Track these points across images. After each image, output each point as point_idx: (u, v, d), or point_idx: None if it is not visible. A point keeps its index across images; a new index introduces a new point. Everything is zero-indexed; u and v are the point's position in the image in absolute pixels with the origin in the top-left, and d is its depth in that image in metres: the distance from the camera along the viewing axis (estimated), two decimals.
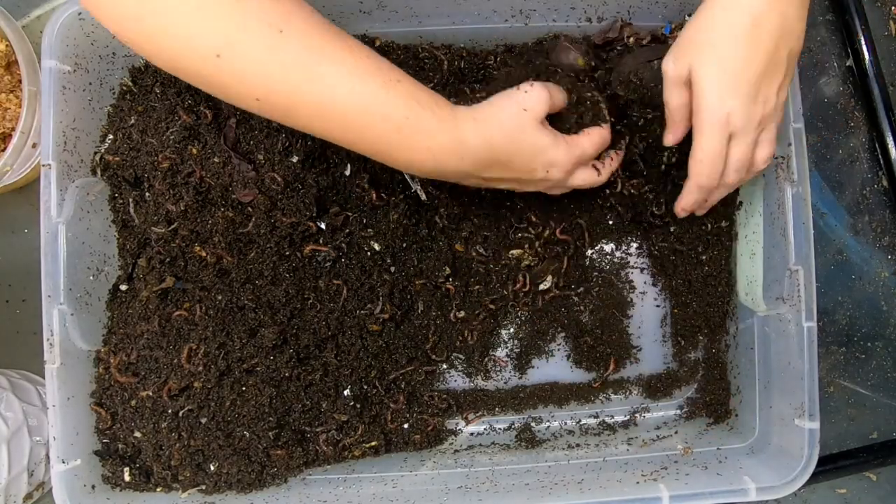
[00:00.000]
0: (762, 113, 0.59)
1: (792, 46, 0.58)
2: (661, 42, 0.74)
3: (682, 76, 0.60)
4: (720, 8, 0.57)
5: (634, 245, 0.80)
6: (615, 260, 0.80)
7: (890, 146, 0.84)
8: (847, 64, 0.86)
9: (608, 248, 0.80)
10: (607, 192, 0.75)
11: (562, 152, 0.62)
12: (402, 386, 0.78)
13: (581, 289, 0.81)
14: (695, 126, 0.60)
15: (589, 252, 0.80)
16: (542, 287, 0.80)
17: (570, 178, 0.65)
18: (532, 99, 0.60)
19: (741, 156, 0.61)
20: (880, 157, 0.85)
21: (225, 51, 0.52)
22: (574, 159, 0.63)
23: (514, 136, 0.60)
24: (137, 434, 0.72)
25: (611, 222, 0.79)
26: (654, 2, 0.73)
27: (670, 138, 0.66)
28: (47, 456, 0.78)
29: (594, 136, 0.65)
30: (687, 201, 0.68)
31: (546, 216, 0.78)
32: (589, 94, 0.67)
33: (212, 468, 0.72)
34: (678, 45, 0.61)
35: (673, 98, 0.63)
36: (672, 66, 0.61)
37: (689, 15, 0.73)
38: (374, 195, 0.74)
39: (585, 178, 0.66)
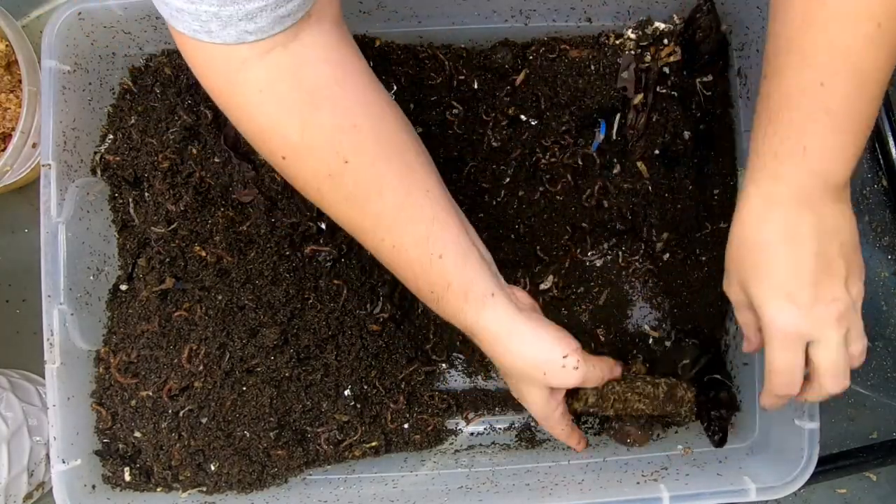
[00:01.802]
0: (835, 313, 0.54)
1: (842, 241, 0.54)
2: None
3: (741, 299, 0.58)
4: (749, 222, 0.54)
5: (634, 246, 0.80)
6: (615, 260, 0.80)
7: (890, 146, 0.83)
8: None
9: (609, 248, 0.80)
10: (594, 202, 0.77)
11: (543, 416, 0.65)
12: (403, 386, 0.78)
13: (581, 289, 0.81)
14: (765, 342, 0.56)
15: (590, 253, 0.80)
16: (542, 287, 0.80)
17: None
18: (560, 378, 0.60)
19: (831, 361, 0.55)
20: (880, 157, 0.85)
21: (290, 156, 0.53)
22: (548, 426, 0.66)
23: (514, 382, 0.64)
24: (137, 434, 0.72)
25: (611, 224, 0.79)
26: (654, 1, 0.73)
27: (747, 348, 0.64)
28: (47, 456, 0.78)
29: (565, 437, 0.68)
30: (767, 403, 0.62)
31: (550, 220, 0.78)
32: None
33: (212, 468, 0.72)
34: (727, 267, 0.58)
35: (741, 318, 0.60)
36: (731, 291, 0.59)
37: (679, 16, 0.73)
38: None
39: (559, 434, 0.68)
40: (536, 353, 0.59)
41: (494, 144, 0.76)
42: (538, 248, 0.79)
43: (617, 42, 0.76)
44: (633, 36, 0.75)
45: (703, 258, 0.78)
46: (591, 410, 0.69)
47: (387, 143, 0.55)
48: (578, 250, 0.80)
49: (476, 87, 0.77)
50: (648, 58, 0.75)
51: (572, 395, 0.67)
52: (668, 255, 0.79)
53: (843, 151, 0.52)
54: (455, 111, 0.77)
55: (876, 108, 0.52)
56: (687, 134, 0.77)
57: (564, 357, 0.59)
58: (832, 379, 0.56)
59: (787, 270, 0.53)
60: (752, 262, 0.55)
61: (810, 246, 0.52)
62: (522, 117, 0.77)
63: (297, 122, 0.51)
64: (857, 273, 0.55)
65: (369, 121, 0.54)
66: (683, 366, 0.75)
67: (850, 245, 0.54)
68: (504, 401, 0.81)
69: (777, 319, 0.54)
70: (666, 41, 0.75)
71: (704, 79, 0.76)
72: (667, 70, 0.75)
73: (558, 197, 0.78)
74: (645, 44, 0.75)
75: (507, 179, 0.78)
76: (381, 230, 0.56)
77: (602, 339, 0.80)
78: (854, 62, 0.49)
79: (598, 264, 0.80)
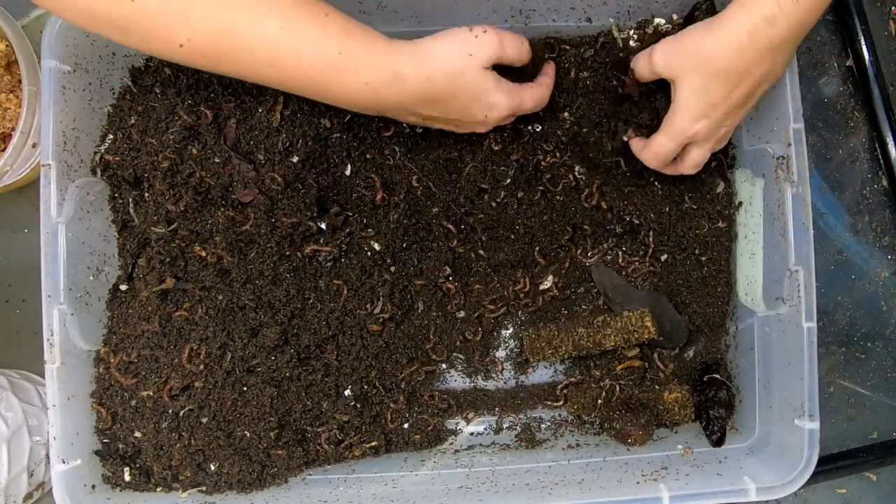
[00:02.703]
0: (723, 133, 0.66)
1: (767, 87, 0.64)
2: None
3: (660, 73, 0.64)
4: (724, 40, 0.59)
5: (634, 246, 0.80)
6: (615, 260, 0.80)
7: (890, 146, 0.84)
8: (847, 64, 0.86)
9: (609, 249, 0.80)
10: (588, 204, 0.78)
11: (503, 98, 0.63)
12: (403, 386, 0.78)
13: (581, 289, 0.81)
14: (662, 126, 0.66)
15: (590, 253, 0.80)
16: (542, 287, 0.80)
17: (502, 122, 0.67)
18: (481, 45, 0.60)
19: (698, 160, 0.68)
20: (880, 157, 0.85)
21: None
22: (512, 108, 0.65)
23: (456, 77, 0.60)
24: (138, 434, 0.72)
25: (610, 226, 0.79)
26: (653, 1, 0.73)
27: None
28: (47, 456, 0.78)
29: (535, 92, 0.67)
30: (637, 152, 0.71)
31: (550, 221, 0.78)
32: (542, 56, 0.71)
33: (212, 468, 0.72)
34: (673, 47, 0.63)
35: (639, 66, 0.67)
36: (659, 61, 0.64)
37: (679, 16, 0.73)
38: (381, 194, 0.74)
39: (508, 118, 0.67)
40: (451, 39, 0.60)
41: (495, 147, 0.76)
42: (538, 248, 0.79)
43: (617, 42, 0.76)
44: (633, 36, 0.75)
45: (703, 258, 0.78)
46: (566, 354, 0.77)
47: None
48: (578, 250, 0.80)
49: None
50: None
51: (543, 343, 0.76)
52: (667, 255, 0.79)
53: (817, 14, 0.58)
54: None
55: None
56: None
57: (471, 31, 0.60)
58: (692, 169, 0.69)
59: (721, 95, 0.61)
60: (701, 65, 0.61)
61: (749, 86, 0.61)
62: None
63: None
64: (752, 108, 0.66)
65: None
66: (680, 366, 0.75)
67: (769, 90, 0.64)
68: (504, 401, 0.81)
69: (689, 125, 0.63)
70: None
71: None
72: None
73: (558, 197, 0.78)
74: (645, 44, 0.75)
75: (508, 180, 0.78)
76: (257, 17, 0.53)
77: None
78: None
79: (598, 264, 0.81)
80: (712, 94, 0.61)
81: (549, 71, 0.70)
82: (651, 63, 0.65)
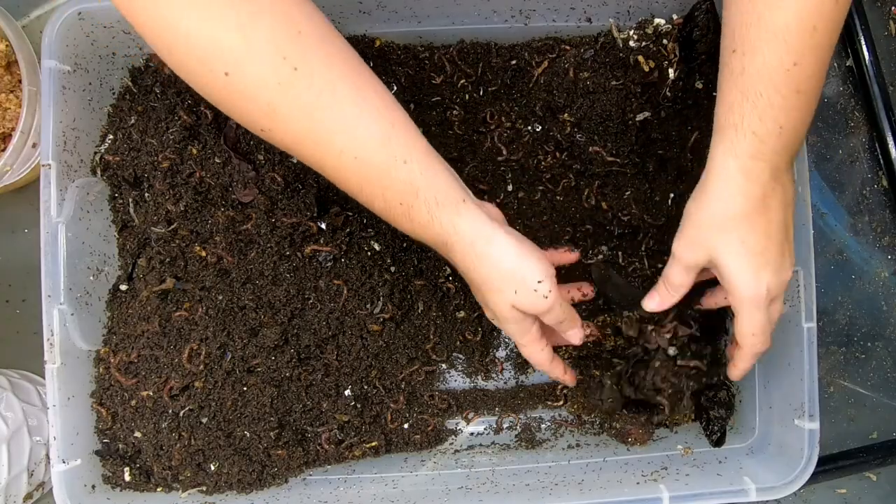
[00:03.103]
0: (791, 273, 0.61)
1: (793, 207, 0.60)
2: None
3: (698, 263, 0.61)
4: (728, 194, 0.57)
5: (635, 246, 0.80)
6: (616, 261, 0.80)
7: (890, 146, 0.84)
8: (847, 64, 0.86)
9: (609, 249, 0.80)
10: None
11: (512, 329, 0.63)
12: (403, 386, 0.78)
13: None
14: (735, 307, 0.61)
15: (590, 253, 0.80)
16: None
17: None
18: (528, 299, 0.59)
19: (781, 312, 0.63)
20: (880, 157, 0.85)
21: (234, 70, 0.50)
22: (524, 344, 0.65)
23: (483, 292, 0.60)
24: (138, 434, 0.72)
25: (610, 226, 0.79)
26: (653, 1, 0.73)
27: (652, 305, 0.67)
28: (47, 456, 0.78)
29: (546, 364, 0.67)
30: (743, 369, 0.67)
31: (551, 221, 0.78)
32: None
33: (212, 468, 0.72)
34: (689, 232, 0.61)
35: (676, 278, 0.64)
36: (687, 253, 0.61)
37: (679, 16, 0.73)
38: None
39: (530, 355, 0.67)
40: (515, 267, 0.58)
41: (495, 148, 0.76)
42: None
43: (617, 42, 0.76)
44: (634, 36, 0.75)
45: None
46: (565, 353, 0.76)
47: (333, 48, 0.53)
48: (578, 250, 0.80)
49: (476, 87, 0.77)
50: (648, 59, 0.75)
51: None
52: (667, 255, 0.79)
53: (806, 128, 0.57)
54: (455, 112, 0.77)
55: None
56: (685, 133, 0.77)
57: (539, 282, 0.59)
58: (776, 325, 0.64)
59: (763, 239, 0.58)
60: (726, 227, 0.58)
61: (779, 214, 0.58)
62: (523, 118, 0.77)
63: (237, 33, 0.48)
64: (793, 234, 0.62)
65: (312, 26, 0.52)
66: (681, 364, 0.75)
67: (794, 209, 0.61)
68: (504, 401, 0.81)
69: (757, 286, 0.58)
70: (665, 41, 0.75)
71: (701, 79, 0.76)
72: (668, 72, 0.75)
73: (559, 198, 0.78)
74: (645, 43, 0.75)
75: (508, 180, 0.78)
76: (339, 140, 0.53)
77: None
78: (819, 41, 0.53)
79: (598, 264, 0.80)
80: (752, 244, 0.58)
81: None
82: (682, 263, 0.62)
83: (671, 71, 0.75)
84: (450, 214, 0.57)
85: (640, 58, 0.74)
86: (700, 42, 0.73)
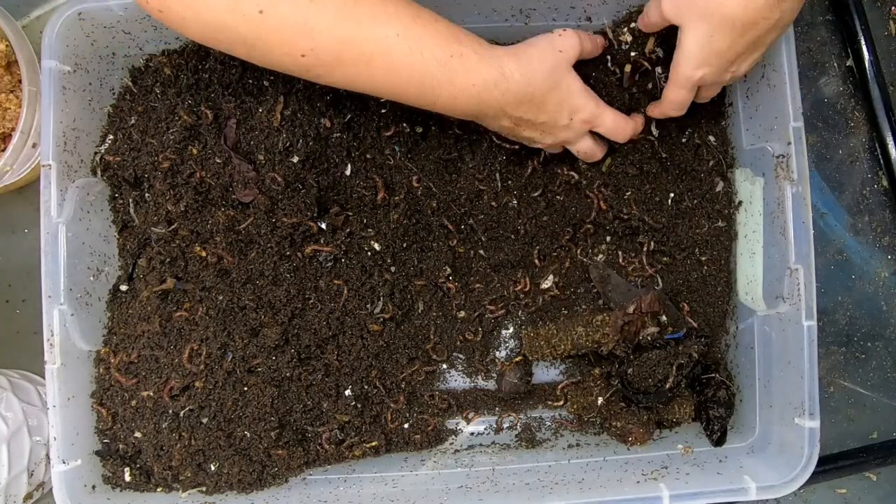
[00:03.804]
0: (729, 77, 0.66)
1: (776, 35, 0.63)
2: None
3: (669, 18, 0.64)
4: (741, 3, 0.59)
5: (634, 246, 0.80)
6: (616, 260, 0.80)
7: (890, 146, 0.84)
8: (847, 64, 0.86)
9: (609, 249, 0.80)
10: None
11: (590, 102, 0.67)
12: (403, 386, 0.78)
13: (581, 289, 0.81)
14: (671, 75, 0.66)
15: (590, 252, 0.80)
16: (542, 287, 0.80)
17: (580, 140, 0.70)
18: (566, 42, 0.65)
19: (707, 95, 0.71)
20: (880, 157, 0.85)
21: (268, 6, 0.54)
22: (594, 114, 0.67)
23: (551, 74, 0.64)
24: (138, 434, 0.72)
25: (610, 225, 0.79)
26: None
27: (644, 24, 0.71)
28: (47, 456, 0.78)
29: (617, 115, 0.69)
30: (655, 113, 0.73)
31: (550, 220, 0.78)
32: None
33: (212, 468, 0.72)
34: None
35: (647, 18, 0.69)
36: (668, 5, 0.63)
37: None
38: (382, 193, 0.74)
39: (589, 146, 0.71)
40: (541, 40, 0.65)
41: (495, 148, 0.76)
42: (538, 248, 0.79)
43: (614, 42, 0.76)
44: (629, 36, 0.75)
45: (703, 258, 0.78)
46: (565, 353, 0.77)
47: None
48: (578, 250, 0.80)
49: None
50: (640, 58, 0.75)
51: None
52: (667, 255, 0.79)
53: None
54: None
55: None
56: (683, 133, 0.77)
57: (556, 33, 0.65)
58: (702, 100, 0.71)
59: (727, 43, 0.61)
60: (708, 13, 0.60)
61: (757, 33, 0.61)
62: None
63: None
64: (760, 57, 0.66)
65: None
66: (680, 365, 0.75)
67: (777, 39, 0.65)
68: (504, 401, 0.81)
69: (693, 72, 0.64)
70: (653, 38, 0.75)
71: None
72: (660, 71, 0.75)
73: (558, 197, 0.78)
74: (642, 41, 0.75)
75: (508, 180, 0.78)
76: (382, 26, 0.57)
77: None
78: None
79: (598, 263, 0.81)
80: (716, 42, 0.61)
81: (639, 118, 0.73)
82: (661, 8, 0.65)
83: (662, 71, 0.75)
84: (491, 47, 0.63)
85: (637, 56, 0.74)
86: None
